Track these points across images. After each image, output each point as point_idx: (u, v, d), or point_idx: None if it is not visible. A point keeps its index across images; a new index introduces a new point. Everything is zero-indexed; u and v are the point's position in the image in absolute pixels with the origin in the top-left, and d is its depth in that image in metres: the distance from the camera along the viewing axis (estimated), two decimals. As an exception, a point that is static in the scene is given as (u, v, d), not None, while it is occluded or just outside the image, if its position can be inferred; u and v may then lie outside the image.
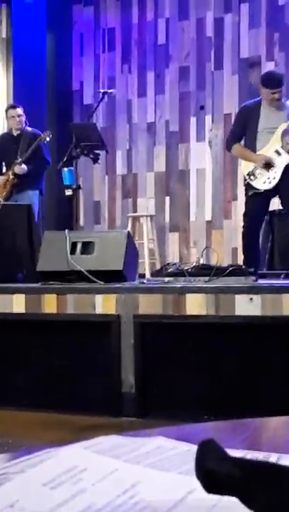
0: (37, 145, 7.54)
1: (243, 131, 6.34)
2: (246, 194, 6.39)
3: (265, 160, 6.10)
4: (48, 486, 0.53)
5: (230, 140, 6.53)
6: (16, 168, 7.54)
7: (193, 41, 9.13)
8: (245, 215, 6.45)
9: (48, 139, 7.55)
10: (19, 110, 7.81)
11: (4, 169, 7.82)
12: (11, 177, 7.59)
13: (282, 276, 6.45)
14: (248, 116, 6.28)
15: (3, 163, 7.79)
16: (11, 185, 7.60)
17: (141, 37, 9.51)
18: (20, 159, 7.55)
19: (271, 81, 6.25)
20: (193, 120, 9.08)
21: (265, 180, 6.14)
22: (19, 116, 7.78)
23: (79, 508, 0.51)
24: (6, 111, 7.91)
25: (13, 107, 7.87)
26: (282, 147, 6.11)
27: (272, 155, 6.15)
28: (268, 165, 6.12)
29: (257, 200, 6.23)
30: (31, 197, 7.58)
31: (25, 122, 7.85)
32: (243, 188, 6.49)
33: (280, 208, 6.70)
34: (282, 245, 7.09)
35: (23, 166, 7.55)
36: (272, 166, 6.11)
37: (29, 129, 7.82)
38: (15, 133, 7.80)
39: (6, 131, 7.96)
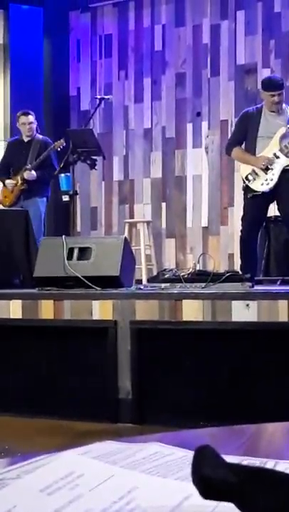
0: (48, 153, 7.55)
1: (243, 136, 6.37)
2: (245, 198, 6.40)
3: (266, 161, 6.12)
4: (44, 491, 0.53)
5: (230, 144, 6.54)
6: (26, 173, 7.55)
7: (189, 48, 9.14)
8: (243, 219, 6.46)
9: (61, 146, 7.55)
10: (31, 117, 7.82)
11: (12, 175, 7.82)
12: (20, 182, 7.60)
13: (278, 282, 6.46)
14: (249, 123, 6.32)
15: (11, 169, 7.80)
16: (19, 191, 7.61)
17: (137, 43, 9.52)
18: (30, 165, 7.56)
19: (271, 84, 6.30)
20: (189, 126, 9.09)
21: (263, 182, 6.16)
22: (30, 123, 7.79)
23: (76, 513, 0.51)
24: (18, 117, 7.92)
25: (24, 113, 7.87)
26: (280, 150, 6.14)
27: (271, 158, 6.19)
28: (267, 167, 6.15)
29: (255, 204, 6.24)
30: (38, 204, 7.60)
31: (37, 129, 7.87)
32: (242, 192, 6.49)
33: (276, 214, 6.71)
34: (278, 251, 7.10)
35: (33, 172, 7.55)
36: (271, 168, 6.14)
37: (40, 136, 7.83)
38: (26, 139, 7.82)
39: (17, 137, 7.97)
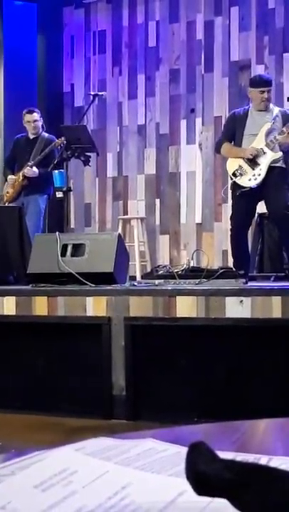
0: (50, 150, 7.55)
1: (232, 135, 6.41)
2: (233, 196, 6.42)
3: (254, 152, 6.15)
4: (39, 488, 0.53)
5: (218, 143, 6.60)
6: (27, 170, 7.56)
7: (183, 44, 9.13)
8: (231, 217, 6.47)
9: (62, 145, 7.55)
10: (35, 115, 7.82)
11: (16, 171, 7.84)
12: (21, 178, 7.61)
13: (271, 278, 6.46)
14: (236, 123, 6.38)
15: (16, 165, 7.82)
16: (20, 187, 7.62)
17: (131, 39, 9.51)
18: (32, 162, 7.57)
19: (261, 80, 6.38)
20: (183, 123, 9.09)
21: (251, 178, 6.17)
22: (35, 121, 7.80)
23: (70, 510, 0.51)
24: (23, 115, 7.93)
25: (29, 111, 7.88)
26: (266, 145, 6.16)
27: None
28: (254, 161, 6.16)
29: (243, 201, 6.25)
30: (38, 201, 7.60)
31: (42, 127, 7.87)
32: (230, 190, 6.50)
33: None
34: (272, 248, 7.10)
35: (34, 168, 7.55)
36: (258, 164, 6.16)
37: (46, 134, 7.83)
38: (31, 136, 7.84)
39: (23, 133, 7.97)
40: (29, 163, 7.58)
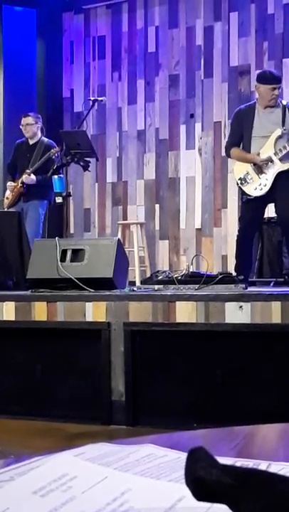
0: (48, 158, 7.55)
1: (240, 135, 6.30)
2: (241, 198, 6.38)
3: (264, 164, 6.07)
4: (38, 493, 0.53)
5: (229, 145, 6.44)
6: (25, 177, 7.56)
7: (183, 49, 9.15)
8: (240, 219, 6.44)
9: (56, 154, 7.56)
10: (29, 119, 7.80)
11: (18, 176, 7.85)
12: (19, 185, 7.61)
13: (271, 284, 6.46)
14: (243, 121, 6.24)
15: (18, 170, 7.82)
16: (18, 194, 7.62)
17: (131, 45, 9.53)
18: (30, 169, 7.57)
19: (270, 77, 6.18)
20: (183, 128, 9.10)
21: (257, 187, 6.11)
22: (27, 125, 7.78)
23: (69, 515, 0.51)
24: (21, 119, 7.94)
25: (25, 115, 7.88)
26: (274, 154, 6.09)
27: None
28: (261, 169, 6.10)
29: (251, 206, 6.20)
30: (38, 207, 7.59)
31: (42, 132, 7.85)
32: (235, 194, 6.49)
33: (270, 215, 6.70)
34: (272, 253, 7.10)
35: (32, 176, 7.55)
36: (264, 173, 6.10)
37: (45, 139, 7.82)
38: (31, 142, 7.82)
39: (24, 138, 7.97)
40: (27, 171, 7.58)
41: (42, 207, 7.66)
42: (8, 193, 7.78)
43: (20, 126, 7.87)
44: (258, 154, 6.13)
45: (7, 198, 7.70)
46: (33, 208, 7.52)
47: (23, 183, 7.60)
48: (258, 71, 8.50)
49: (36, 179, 7.55)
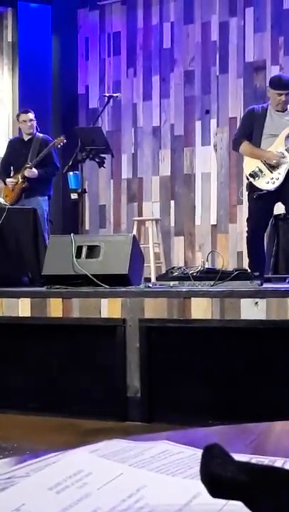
0: (49, 150, 7.56)
1: (250, 132, 6.32)
2: (249, 196, 6.38)
3: (277, 160, 6.07)
4: (53, 490, 0.53)
5: (237, 139, 6.47)
6: (27, 171, 7.56)
7: (198, 45, 9.13)
8: (248, 218, 6.44)
9: (61, 143, 7.57)
10: (30, 115, 7.83)
11: (12, 174, 7.83)
12: (21, 180, 7.60)
13: (287, 280, 6.44)
14: (255, 120, 6.28)
15: (12, 168, 7.81)
16: (20, 189, 7.61)
17: (146, 41, 9.52)
18: (30, 163, 7.57)
19: (280, 83, 6.25)
20: (198, 124, 9.08)
21: (269, 181, 6.12)
22: (30, 120, 7.81)
23: (84, 512, 0.51)
24: (18, 116, 7.94)
25: (24, 111, 7.90)
26: (287, 150, 6.11)
27: None
28: (271, 165, 6.11)
29: (261, 202, 6.21)
30: (40, 203, 7.58)
31: (37, 127, 7.88)
32: (246, 191, 6.47)
33: (285, 212, 6.69)
34: (287, 249, 7.08)
35: (34, 170, 7.55)
36: (276, 168, 6.11)
37: (40, 134, 7.84)
38: (26, 138, 7.83)
39: (17, 135, 7.98)
40: (28, 165, 7.56)
41: (44, 202, 7.65)
42: (7, 190, 7.70)
43: (22, 123, 7.85)
44: (271, 151, 6.14)
45: (6, 196, 7.64)
46: (37, 205, 7.49)
47: (24, 177, 7.58)
48: (273, 66, 8.50)
49: (38, 173, 7.55)
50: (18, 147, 7.83)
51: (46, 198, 7.70)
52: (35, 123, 7.84)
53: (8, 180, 7.72)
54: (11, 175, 7.75)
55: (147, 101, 9.46)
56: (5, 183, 7.76)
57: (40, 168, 7.54)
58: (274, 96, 6.22)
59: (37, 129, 7.88)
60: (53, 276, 5.41)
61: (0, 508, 0.51)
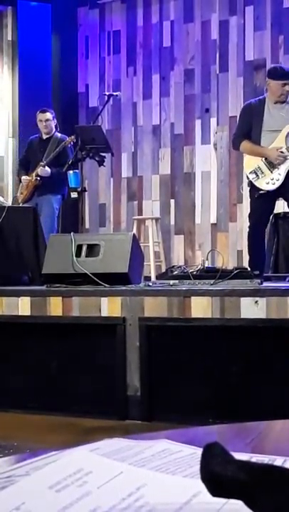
0: (62, 149, 7.58)
1: (249, 129, 6.27)
2: (250, 194, 6.37)
3: (280, 158, 6.04)
4: (53, 488, 0.53)
5: (237, 137, 6.41)
6: (40, 170, 7.61)
7: (198, 44, 9.13)
8: (250, 216, 6.43)
9: (72, 143, 7.59)
10: (48, 115, 7.88)
11: (29, 172, 7.89)
12: (34, 178, 7.65)
13: (287, 279, 6.43)
14: (253, 115, 6.22)
15: (30, 166, 7.86)
16: (33, 187, 7.67)
17: (146, 39, 9.52)
18: (44, 161, 7.61)
19: (281, 73, 6.15)
20: (198, 123, 9.08)
21: (269, 181, 6.11)
22: (47, 120, 7.87)
23: (84, 510, 0.51)
24: (37, 115, 7.98)
25: (42, 111, 7.95)
26: (287, 148, 6.07)
27: None
28: (272, 164, 6.08)
29: (261, 200, 6.19)
30: (52, 201, 7.62)
31: (56, 127, 7.92)
32: (247, 187, 6.46)
33: (285, 210, 6.69)
34: (287, 248, 7.08)
35: (47, 168, 7.60)
36: (277, 167, 6.09)
37: (59, 134, 7.88)
38: (44, 136, 7.89)
39: (37, 134, 8.01)
40: (42, 163, 7.61)
41: (56, 201, 7.69)
42: (20, 188, 7.80)
43: (38, 122, 7.90)
44: (274, 148, 6.11)
45: (21, 194, 7.73)
46: (48, 203, 7.54)
47: (37, 175, 7.63)
48: (273, 65, 8.49)
49: (51, 172, 7.57)
50: (36, 146, 7.89)
51: (59, 196, 7.73)
52: (52, 123, 7.89)
53: (23, 177, 7.81)
54: (29, 173, 7.81)
55: (147, 99, 9.46)
56: (20, 181, 7.84)
57: (55, 167, 7.56)
58: (277, 87, 6.12)
59: (56, 129, 7.92)
60: (52, 275, 5.41)
61: (0, 507, 0.51)
